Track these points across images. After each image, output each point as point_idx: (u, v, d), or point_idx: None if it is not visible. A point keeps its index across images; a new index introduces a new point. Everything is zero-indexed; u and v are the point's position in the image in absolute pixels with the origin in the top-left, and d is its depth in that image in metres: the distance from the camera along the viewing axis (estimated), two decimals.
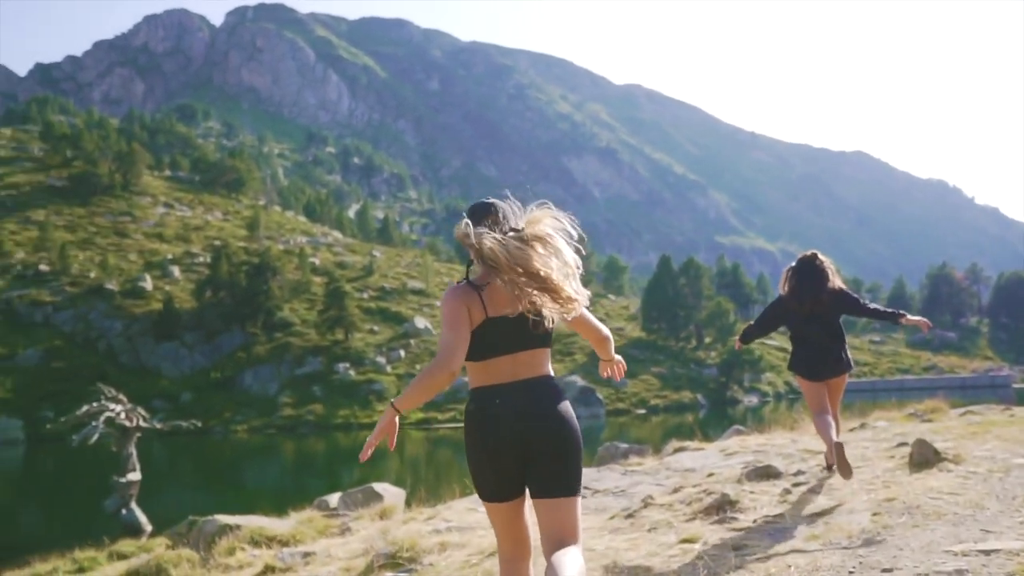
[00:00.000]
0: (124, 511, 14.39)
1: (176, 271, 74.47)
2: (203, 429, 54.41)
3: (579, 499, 2.78)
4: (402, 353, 64.76)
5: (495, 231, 2.74)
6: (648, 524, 4.68)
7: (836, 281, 5.71)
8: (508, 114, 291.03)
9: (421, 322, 69.92)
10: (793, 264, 5.93)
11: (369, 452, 2.78)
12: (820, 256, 5.81)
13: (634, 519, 4.90)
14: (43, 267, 72.15)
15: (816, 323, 5.70)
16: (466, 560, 4.40)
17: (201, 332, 64.45)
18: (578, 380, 59.08)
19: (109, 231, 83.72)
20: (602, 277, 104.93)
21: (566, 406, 2.81)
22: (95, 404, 15.27)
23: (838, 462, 4.90)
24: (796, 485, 5.40)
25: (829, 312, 5.69)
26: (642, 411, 58.32)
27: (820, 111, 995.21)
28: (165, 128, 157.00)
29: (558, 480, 2.72)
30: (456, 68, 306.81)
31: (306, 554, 4.94)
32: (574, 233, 2.91)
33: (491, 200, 2.91)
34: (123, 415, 14.98)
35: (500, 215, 2.84)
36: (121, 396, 15.75)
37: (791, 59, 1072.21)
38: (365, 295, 75.49)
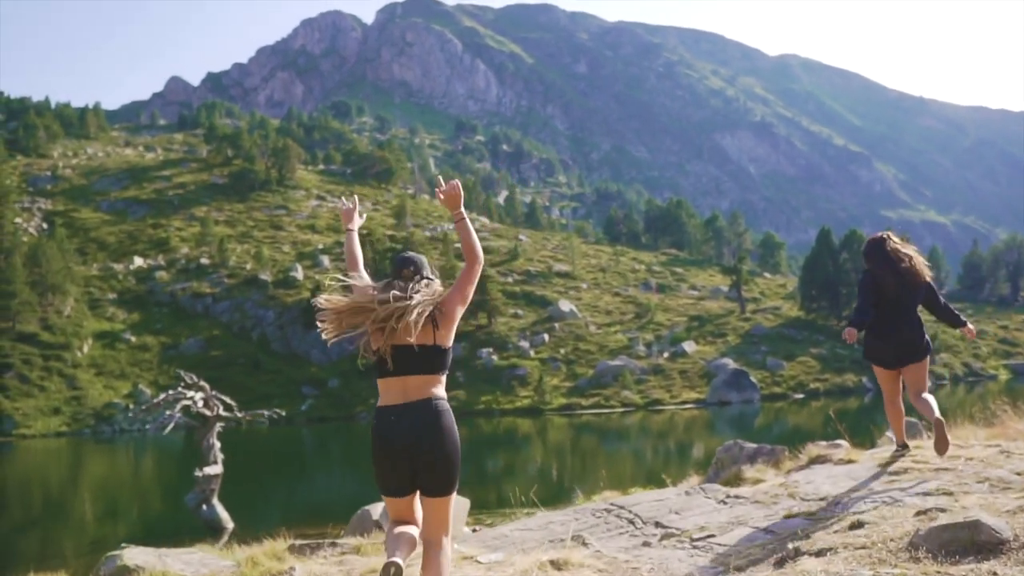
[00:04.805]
0: (204, 507, 13.30)
1: (326, 260, 76.03)
2: (349, 415, 54.99)
3: (452, 497, 3.42)
4: (546, 337, 63.15)
5: (412, 280, 3.48)
6: None
7: (925, 272, 5.71)
8: (658, 93, 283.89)
9: (566, 305, 68.08)
10: (868, 245, 5.86)
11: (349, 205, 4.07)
12: (894, 237, 5.82)
13: None
14: (204, 260, 75.49)
15: (901, 305, 5.67)
16: None
17: None
18: (730, 363, 55.55)
19: (265, 224, 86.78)
20: (757, 255, 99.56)
21: (447, 424, 3.39)
22: (171, 392, 14.29)
23: (937, 437, 5.04)
24: None
25: (914, 296, 5.68)
26: (800, 395, 54.08)
27: (998, 68, 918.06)
28: (320, 125, 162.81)
29: (436, 487, 3.37)
30: (603, 50, 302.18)
31: None
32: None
33: (410, 254, 3.63)
34: (201, 403, 13.91)
35: (414, 267, 3.55)
36: (203, 383, 14.72)
37: (962, 11, 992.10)
38: (510, 279, 74.53)
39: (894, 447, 6.09)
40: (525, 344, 61.92)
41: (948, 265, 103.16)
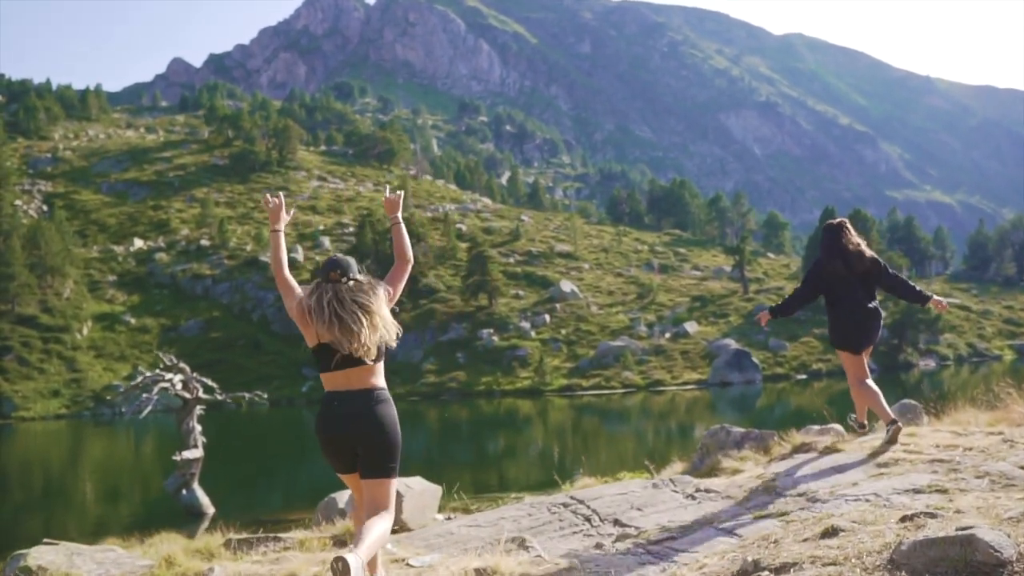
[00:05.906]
0: (184, 492, 12.96)
1: (327, 241, 75.63)
2: None
3: (392, 480, 3.60)
4: (547, 318, 62.74)
5: (339, 282, 3.60)
6: None
7: (866, 249, 5.84)
8: (662, 73, 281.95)
9: (567, 286, 67.62)
10: (825, 230, 6.00)
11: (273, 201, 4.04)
12: (847, 222, 5.97)
13: None
14: (204, 242, 75.10)
15: (858, 289, 5.78)
16: None
17: None
18: (731, 343, 55.14)
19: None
20: (760, 235, 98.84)
21: (385, 411, 3.60)
22: (148, 374, 13.91)
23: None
24: None
25: (868, 278, 5.79)
26: (802, 376, 53.66)
27: (1006, 47, 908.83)
28: (322, 106, 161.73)
29: (375, 468, 3.56)
30: (607, 29, 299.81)
31: None
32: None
33: (337, 257, 3.72)
34: (180, 385, 13.51)
35: (341, 270, 3.65)
36: (182, 364, 14.33)
37: None
38: (511, 259, 74.08)
39: (885, 431, 5.75)
40: (526, 325, 61.55)
41: (954, 245, 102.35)
